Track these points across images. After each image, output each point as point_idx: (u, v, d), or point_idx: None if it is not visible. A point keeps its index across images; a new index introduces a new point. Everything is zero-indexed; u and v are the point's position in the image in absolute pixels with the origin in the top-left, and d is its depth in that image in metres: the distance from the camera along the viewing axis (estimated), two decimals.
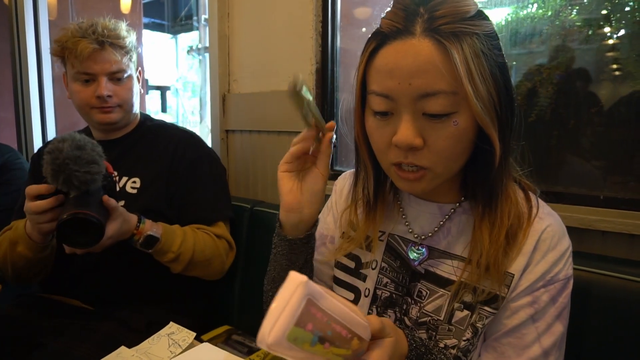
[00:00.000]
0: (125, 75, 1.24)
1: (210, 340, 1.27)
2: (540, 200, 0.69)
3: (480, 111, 0.57)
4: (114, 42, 1.20)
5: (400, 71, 0.58)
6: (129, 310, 1.14)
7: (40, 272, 1.19)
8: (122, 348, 0.78)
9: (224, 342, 1.30)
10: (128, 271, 1.17)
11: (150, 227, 1.10)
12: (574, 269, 0.70)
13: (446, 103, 0.57)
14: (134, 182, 1.23)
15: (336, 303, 0.46)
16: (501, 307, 0.66)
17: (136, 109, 1.32)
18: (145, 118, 1.38)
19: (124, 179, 1.23)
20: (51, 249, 1.14)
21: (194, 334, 0.83)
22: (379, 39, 0.61)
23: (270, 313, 0.42)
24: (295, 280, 0.43)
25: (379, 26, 0.62)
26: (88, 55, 1.18)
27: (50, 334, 1.04)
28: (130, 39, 1.26)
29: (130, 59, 1.26)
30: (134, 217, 1.08)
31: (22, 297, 1.23)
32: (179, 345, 0.79)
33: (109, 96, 1.21)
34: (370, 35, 0.63)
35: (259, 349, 1.20)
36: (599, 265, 0.87)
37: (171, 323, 0.87)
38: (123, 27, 1.25)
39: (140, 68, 1.35)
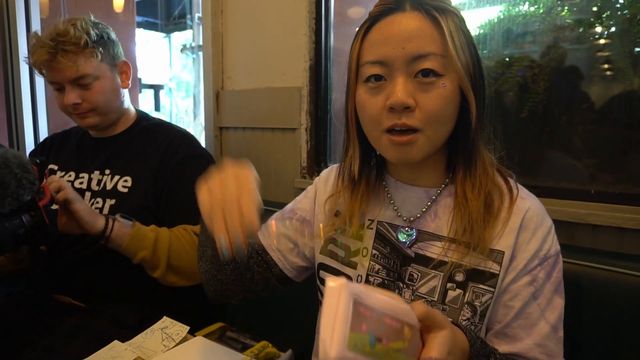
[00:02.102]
0: (92, 79, 1.17)
1: (204, 337, 1.27)
2: (517, 184, 0.74)
3: (461, 74, 0.65)
4: (65, 48, 1.11)
5: (394, 37, 0.65)
6: (121, 307, 1.13)
7: (27, 274, 1.19)
8: (115, 342, 0.78)
9: (218, 338, 1.30)
10: (120, 267, 1.16)
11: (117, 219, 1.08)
12: (565, 262, 0.72)
13: (437, 64, 0.64)
14: (126, 181, 1.21)
15: (379, 296, 0.45)
16: (500, 288, 0.68)
17: (120, 106, 1.27)
18: (142, 117, 1.34)
19: (116, 177, 1.22)
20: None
21: (188, 327, 0.83)
22: (372, 19, 0.69)
23: (324, 327, 0.41)
24: (336, 285, 0.42)
25: (370, 13, 0.70)
26: (43, 66, 1.14)
27: (41, 331, 1.03)
28: (89, 36, 1.14)
29: (96, 58, 1.17)
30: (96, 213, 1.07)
31: (12, 294, 1.22)
32: (173, 339, 0.79)
33: (77, 103, 1.16)
34: (363, 21, 0.71)
35: (252, 346, 1.20)
36: (589, 258, 0.88)
37: (164, 317, 0.87)
38: (79, 26, 1.14)
39: (124, 61, 1.27)
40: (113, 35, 1.26)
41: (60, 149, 1.35)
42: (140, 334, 0.81)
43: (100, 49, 1.18)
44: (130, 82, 1.31)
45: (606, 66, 1.09)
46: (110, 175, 1.22)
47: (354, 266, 0.78)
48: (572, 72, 1.13)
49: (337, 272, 0.80)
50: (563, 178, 1.15)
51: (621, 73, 1.07)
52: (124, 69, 1.28)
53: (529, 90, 1.16)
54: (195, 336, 1.22)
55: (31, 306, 1.14)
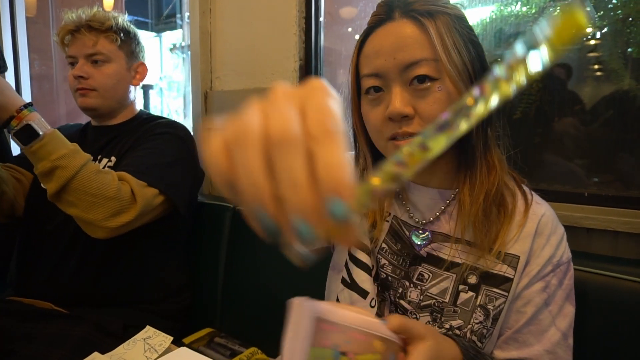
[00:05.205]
0: (105, 59, 1.23)
1: (192, 343, 1.24)
2: (531, 189, 0.74)
3: (454, 76, 0.64)
4: (90, 24, 1.21)
5: (385, 48, 0.65)
6: (104, 313, 1.10)
7: None
8: (96, 354, 0.75)
9: (206, 345, 1.27)
10: (103, 271, 1.13)
11: (35, 119, 0.96)
12: None
13: (430, 68, 0.64)
14: (110, 160, 1.21)
15: (344, 312, 0.46)
16: (514, 293, 0.67)
17: (124, 98, 1.29)
18: (143, 112, 1.36)
19: (104, 160, 1.22)
20: None
21: (171, 338, 0.80)
22: (366, 31, 0.70)
23: (287, 344, 0.43)
24: (298, 304, 0.44)
25: (367, 24, 0.71)
26: (66, 39, 1.23)
27: (21, 339, 1.00)
28: (115, 22, 1.24)
29: (115, 43, 1.24)
30: (18, 98, 0.98)
31: None
32: (155, 350, 0.76)
33: (83, 77, 1.21)
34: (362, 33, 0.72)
35: (241, 352, 1.18)
36: (584, 262, 0.87)
37: (147, 327, 0.84)
38: (110, 14, 1.25)
39: (142, 63, 1.32)
40: (139, 37, 1.33)
41: (66, 135, 1.35)
42: (122, 345, 0.78)
43: (122, 36, 1.25)
44: (141, 83, 1.34)
45: (597, 67, 1.09)
46: (99, 160, 1.22)
47: (368, 254, 0.77)
48: (565, 73, 1.12)
49: (363, 266, 0.76)
50: (556, 180, 1.13)
51: (614, 74, 1.06)
52: (140, 69, 1.33)
53: (521, 92, 1.15)
54: (182, 342, 1.20)
55: (10, 314, 1.10)
